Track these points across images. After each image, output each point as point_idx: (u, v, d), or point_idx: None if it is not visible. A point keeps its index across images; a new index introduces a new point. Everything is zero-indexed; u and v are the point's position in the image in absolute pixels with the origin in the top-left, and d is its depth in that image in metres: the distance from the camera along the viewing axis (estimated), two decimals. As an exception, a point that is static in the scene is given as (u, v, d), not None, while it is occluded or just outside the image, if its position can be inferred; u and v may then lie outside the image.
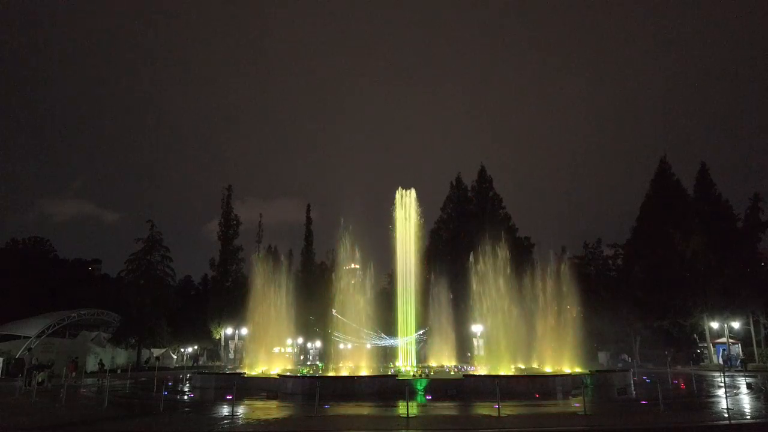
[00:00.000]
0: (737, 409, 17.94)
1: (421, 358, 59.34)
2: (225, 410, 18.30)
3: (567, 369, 30.96)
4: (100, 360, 47.37)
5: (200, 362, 68.53)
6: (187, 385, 33.41)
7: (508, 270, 32.32)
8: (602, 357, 59.51)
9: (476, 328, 61.78)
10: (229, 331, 63.58)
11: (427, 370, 32.21)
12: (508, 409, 17.41)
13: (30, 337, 51.78)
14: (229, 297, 64.38)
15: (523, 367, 32.21)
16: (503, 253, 32.37)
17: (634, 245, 60.17)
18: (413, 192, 40.02)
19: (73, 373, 38.20)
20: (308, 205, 76.18)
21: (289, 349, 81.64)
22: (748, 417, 16.70)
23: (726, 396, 19.18)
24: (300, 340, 78.80)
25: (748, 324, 52.18)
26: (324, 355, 77.15)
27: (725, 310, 50.62)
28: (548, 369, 31.66)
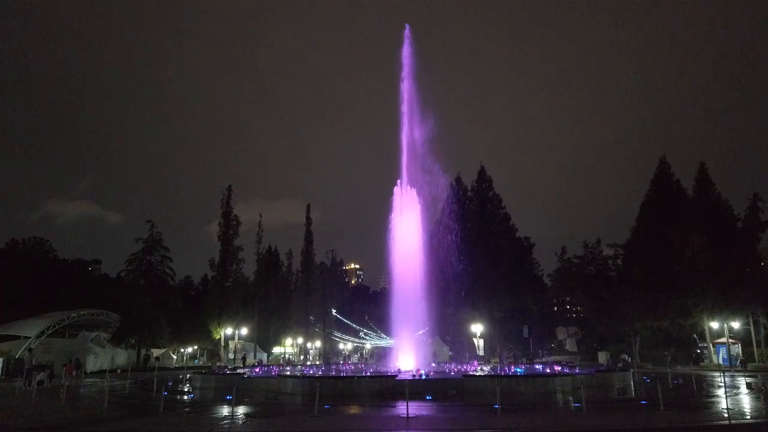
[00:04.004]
0: (737, 409, 17.94)
1: (422, 358, 59.30)
2: (225, 410, 18.30)
3: (567, 369, 30.92)
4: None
5: (200, 362, 68.46)
6: (187, 385, 33.41)
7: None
8: (602, 357, 59.57)
9: (476, 328, 61.76)
10: (229, 331, 63.61)
11: (427, 370, 32.17)
12: (508, 409, 17.40)
13: (30, 338, 51.72)
14: (229, 297, 64.41)
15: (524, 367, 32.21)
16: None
17: (633, 245, 60.16)
18: (413, 190, 39.75)
19: (74, 373, 38.18)
20: (308, 205, 76.45)
21: (289, 349, 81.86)
22: (748, 417, 16.69)
23: (726, 396, 19.18)
24: (300, 340, 78.81)
25: (748, 324, 52.20)
26: (324, 355, 77.14)
27: (725, 310, 50.61)
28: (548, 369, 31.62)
